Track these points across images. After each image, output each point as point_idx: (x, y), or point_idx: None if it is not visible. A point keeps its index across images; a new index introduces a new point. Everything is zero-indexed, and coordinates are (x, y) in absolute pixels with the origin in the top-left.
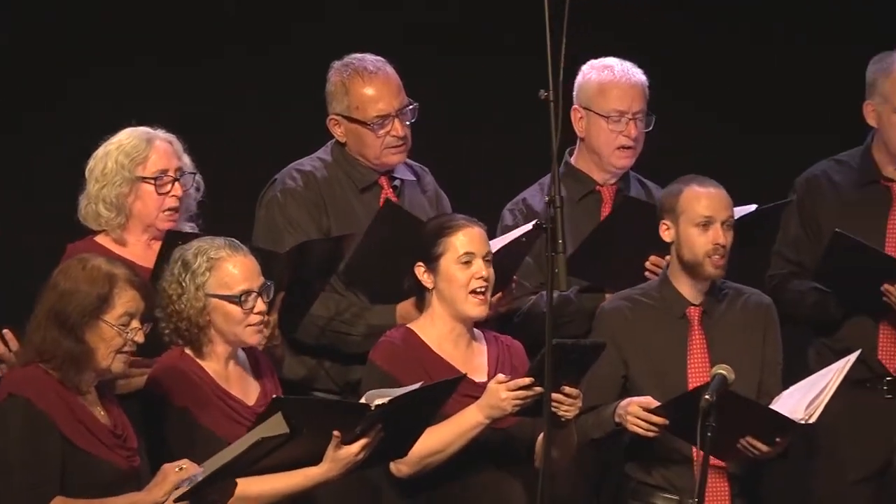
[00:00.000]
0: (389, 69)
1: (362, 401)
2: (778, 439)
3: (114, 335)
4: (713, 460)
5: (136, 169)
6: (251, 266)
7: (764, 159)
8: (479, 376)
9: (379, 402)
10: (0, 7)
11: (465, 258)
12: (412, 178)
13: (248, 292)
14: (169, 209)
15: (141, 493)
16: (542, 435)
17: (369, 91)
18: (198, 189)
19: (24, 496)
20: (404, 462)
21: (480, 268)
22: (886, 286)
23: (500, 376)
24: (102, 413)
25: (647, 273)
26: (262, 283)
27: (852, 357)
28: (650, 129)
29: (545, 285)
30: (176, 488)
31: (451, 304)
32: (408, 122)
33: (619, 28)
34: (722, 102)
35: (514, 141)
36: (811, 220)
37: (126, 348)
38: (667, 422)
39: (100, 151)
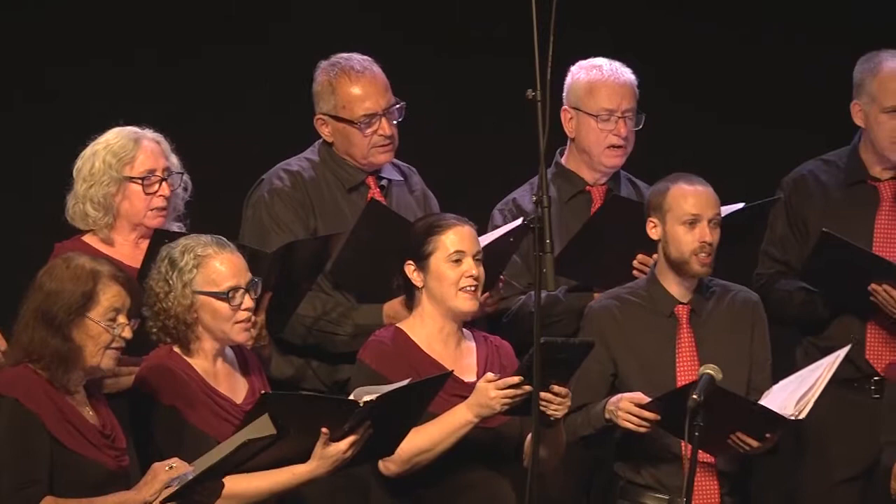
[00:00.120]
0: (376, 68)
1: (351, 397)
2: (768, 435)
3: (101, 332)
4: (703, 457)
5: (124, 169)
6: (238, 262)
7: (752, 158)
8: (469, 376)
9: (368, 398)
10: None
11: (455, 256)
12: (399, 178)
13: (235, 288)
14: (156, 209)
15: (131, 492)
16: (530, 434)
17: (356, 90)
18: (185, 189)
19: (14, 496)
20: (393, 461)
21: (471, 266)
22: (873, 285)
23: (490, 375)
24: (91, 413)
25: (634, 272)
26: (249, 279)
27: (842, 352)
28: (640, 127)
29: (534, 285)
30: (166, 487)
31: (441, 302)
32: (395, 122)
33: (610, 28)
34: (715, 101)
35: (505, 141)
36: (798, 220)
37: (114, 344)
38: (658, 417)
39: (87, 151)
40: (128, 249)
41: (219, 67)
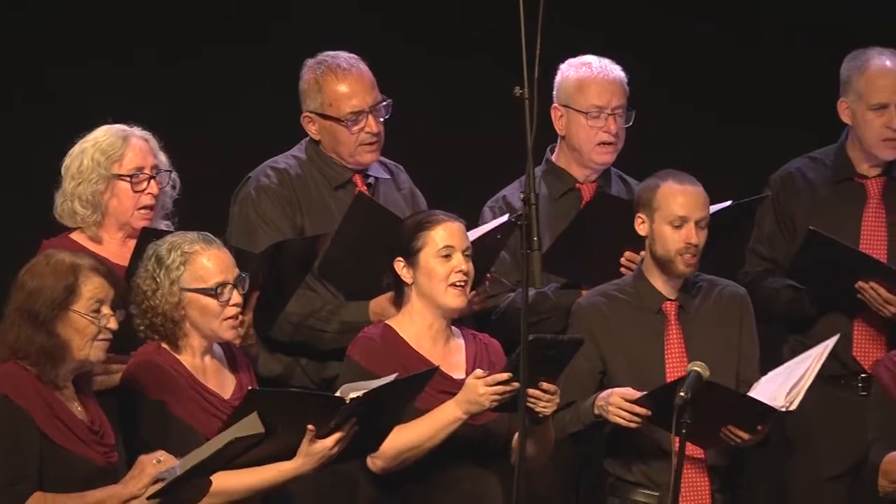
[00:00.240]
0: (363, 66)
1: (337, 394)
2: (759, 427)
3: (86, 324)
4: (694, 452)
5: (112, 166)
6: (225, 258)
7: (752, 158)
8: (458, 373)
9: (354, 395)
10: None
11: (444, 252)
12: (386, 176)
13: (223, 284)
14: (144, 207)
15: (118, 486)
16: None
17: (343, 88)
18: (174, 187)
19: (3, 492)
20: (381, 457)
21: (460, 262)
22: (860, 283)
23: (479, 371)
24: (80, 409)
25: (622, 269)
26: (237, 275)
27: (830, 342)
28: (630, 124)
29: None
30: (155, 482)
31: (430, 298)
32: (381, 119)
33: (610, 28)
34: (714, 101)
35: (496, 139)
36: (786, 218)
37: (101, 336)
38: (649, 412)
39: (76, 149)
40: (115, 247)
41: (219, 67)
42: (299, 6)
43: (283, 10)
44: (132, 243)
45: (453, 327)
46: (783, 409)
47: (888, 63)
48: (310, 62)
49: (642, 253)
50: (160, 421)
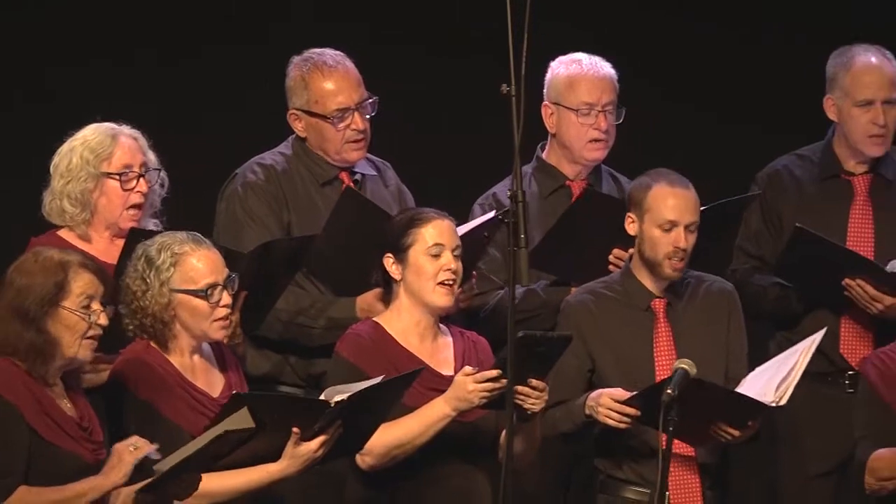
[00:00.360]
0: (349, 63)
1: (322, 397)
2: (749, 423)
3: (77, 320)
4: (684, 451)
5: (101, 165)
6: (215, 259)
7: (751, 158)
8: (446, 370)
9: (338, 398)
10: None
11: (434, 250)
12: (373, 172)
13: (213, 286)
14: (133, 206)
15: (99, 477)
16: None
17: (329, 85)
18: (162, 185)
19: None
20: (371, 454)
21: (449, 260)
22: (847, 280)
23: (468, 368)
24: (69, 405)
25: (610, 266)
26: (226, 275)
27: (817, 336)
28: (621, 121)
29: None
30: (149, 477)
31: (418, 296)
32: (368, 116)
33: (610, 28)
34: (714, 101)
35: (485, 137)
36: (773, 215)
37: (90, 332)
38: (638, 413)
39: (64, 147)
40: (103, 245)
41: (219, 67)
42: (299, 6)
43: (283, 10)
44: (121, 242)
45: (441, 325)
46: (773, 405)
47: (874, 59)
48: (296, 59)
49: (630, 250)
50: (148, 419)
